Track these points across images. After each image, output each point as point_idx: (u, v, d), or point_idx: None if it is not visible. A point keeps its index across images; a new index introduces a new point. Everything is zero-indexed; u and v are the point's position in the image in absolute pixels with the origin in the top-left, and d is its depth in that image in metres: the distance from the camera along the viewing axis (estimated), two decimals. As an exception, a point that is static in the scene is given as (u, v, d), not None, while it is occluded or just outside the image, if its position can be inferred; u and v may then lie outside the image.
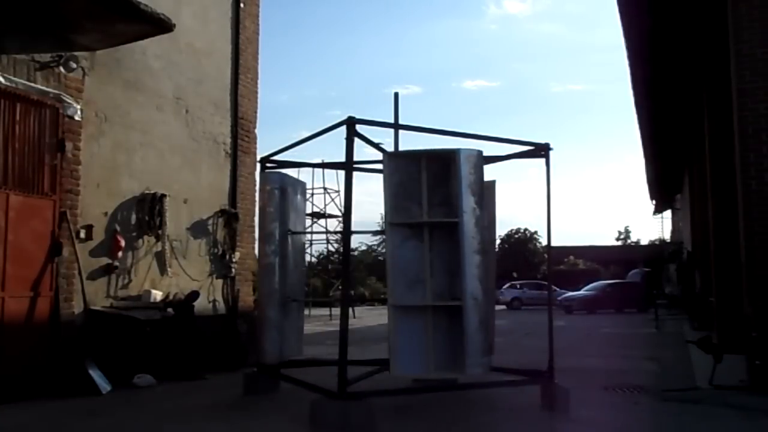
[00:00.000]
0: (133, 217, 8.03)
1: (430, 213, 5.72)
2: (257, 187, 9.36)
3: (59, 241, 7.00)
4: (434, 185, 5.75)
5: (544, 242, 6.80)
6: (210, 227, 9.23)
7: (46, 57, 7.00)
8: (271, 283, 6.86)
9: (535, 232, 53.53)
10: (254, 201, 9.81)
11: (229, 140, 9.67)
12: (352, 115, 5.57)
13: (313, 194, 30.46)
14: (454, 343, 5.56)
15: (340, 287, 25.67)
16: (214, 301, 9.21)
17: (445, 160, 5.73)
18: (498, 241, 26.17)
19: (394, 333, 5.49)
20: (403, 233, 5.72)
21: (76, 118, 7.24)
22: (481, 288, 5.53)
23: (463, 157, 5.61)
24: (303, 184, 7.68)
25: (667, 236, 40.41)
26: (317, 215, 30.65)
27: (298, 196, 7.42)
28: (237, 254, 9.50)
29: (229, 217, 9.46)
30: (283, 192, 7.03)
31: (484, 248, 5.65)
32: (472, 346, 5.45)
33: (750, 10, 7.26)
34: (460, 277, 5.49)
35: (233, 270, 9.45)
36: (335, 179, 26.33)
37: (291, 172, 7.84)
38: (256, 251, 9.37)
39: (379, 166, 7.60)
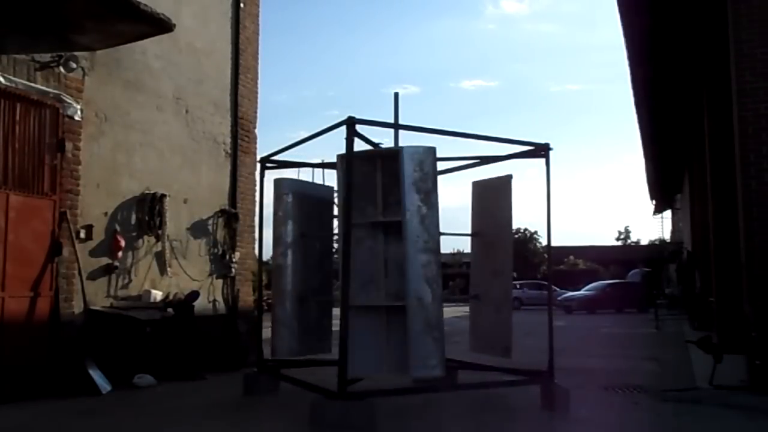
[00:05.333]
0: (133, 217, 8.03)
1: (384, 213, 5.72)
2: (257, 187, 9.39)
3: (59, 241, 7.00)
4: (391, 185, 5.72)
5: (544, 242, 6.81)
6: (210, 227, 9.23)
7: (46, 57, 7.00)
8: (280, 283, 6.88)
9: (535, 232, 53.53)
10: (254, 201, 9.81)
11: (229, 140, 9.67)
12: (351, 115, 5.58)
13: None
14: (396, 344, 5.58)
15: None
16: (214, 301, 9.20)
17: (396, 159, 5.67)
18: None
19: (351, 333, 5.35)
20: (359, 233, 5.70)
21: (76, 118, 7.24)
22: (428, 288, 5.43)
23: (406, 155, 5.54)
24: (330, 189, 7.43)
25: (667, 236, 40.44)
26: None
27: (320, 201, 7.29)
28: (237, 254, 9.50)
29: (229, 217, 9.46)
30: (298, 197, 7.03)
31: (432, 247, 5.54)
32: (417, 347, 5.36)
33: (750, 10, 7.26)
34: (405, 276, 5.44)
35: (233, 270, 9.45)
36: (335, 179, 26.26)
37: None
38: (256, 251, 9.38)
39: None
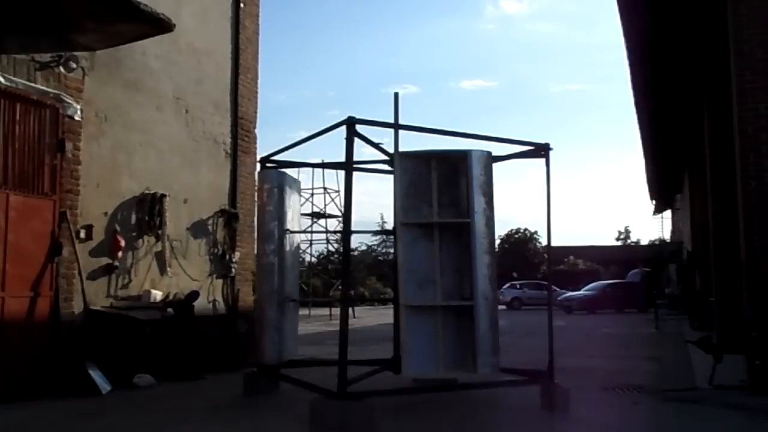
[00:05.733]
0: (133, 217, 8.03)
1: (440, 213, 5.78)
2: (257, 187, 9.37)
3: (59, 241, 7.00)
4: (443, 186, 5.82)
5: (544, 242, 6.83)
6: (210, 227, 9.23)
7: (46, 57, 7.00)
8: (270, 282, 6.85)
9: (535, 232, 53.56)
10: (254, 201, 9.80)
11: (229, 140, 9.67)
12: (351, 115, 5.58)
13: (313, 194, 30.51)
14: (462, 343, 5.64)
15: (339, 287, 25.65)
16: (214, 301, 9.20)
17: (454, 160, 5.80)
18: (498, 241, 26.17)
19: (406, 333, 5.53)
20: (414, 233, 5.75)
21: (76, 118, 7.24)
22: (490, 288, 5.62)
23: (474, 158, 5.71)
24: (298, 183, 7.67)
25: (667, 236, 40.41)
26: (317, 215, 30.66)
27: (295, 195, 7.42)
28: (237, 254, 9.50)
29: (229, 217, 9.46)
30: (281, 191, 7.03)
31: (492, 249, 5.74)
32: (484, 345, 5.54)
33: (750, 10, 7.26)
34: (472, 276, 5.59)
35: (233, 270, 9.45)
36: (335, 179, 26.28)
37: (290, 172, 7.84)
38: (256, 251, 9.36)
39: (380, 166, 7.63)
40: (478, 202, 5.62)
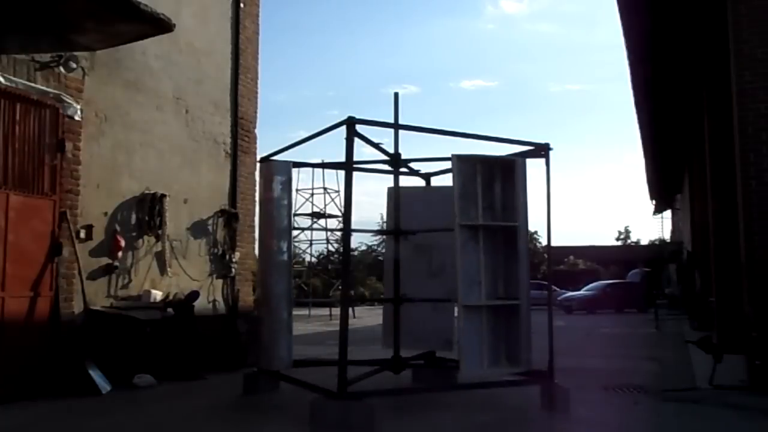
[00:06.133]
0: (133, 217, 8.03)
1: (483, 216, 5.98)
2: (257, 187, 9.36)
3: (59, 241, 7.00)
4: (485, 189, 6.01)
5: (544, 242, 6.83)
6: (210, 227, 9.23)
7: (46, 57, 7.00)
8: (284, 282, 6.73)
9: (535, 232, 53.25)
10: (254, 201, 9.80)
11: (229, 140, 9.67)
12: (351, 115, 5.58)
13: (313, 194, 30.51)
14: (500, 341, 5.83)
15: (339, 287, 25.66)
16: (214, 301, 9.20)
17: (498, 165, 6.04)
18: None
19: (463, 334, 5.67)
20: (465, 235, 5.89)
21: (76, 118, 7.24)
22: (528, 288, 5.98)
23: (519, 164, 6.01)
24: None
25: (667, 236, 40.41)
26: (317, 215, 30.66)
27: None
28: (237, 254, 9.50)
29: (229, 217, 9.46)
30: (289, 183, 6.91)
31: (528, 251, 6.15)
32: (528, 343, 5.80)
33: (750, 10, 7.26)
34: (517, 277, 5.89)
35: (233, 270, 9.45)
36: (335, 179, 26.29)
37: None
38: (256, 251, 9.37)
39: (380, 166, 7.64)
40: (524, 206, 5.94)
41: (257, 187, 8.82)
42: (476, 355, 5.70)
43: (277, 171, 6.83)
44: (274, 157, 7.15)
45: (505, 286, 5.97)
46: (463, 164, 5.91)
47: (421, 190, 7.85)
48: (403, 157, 7.19)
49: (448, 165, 7.62)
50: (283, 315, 6.68)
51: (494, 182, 6.05)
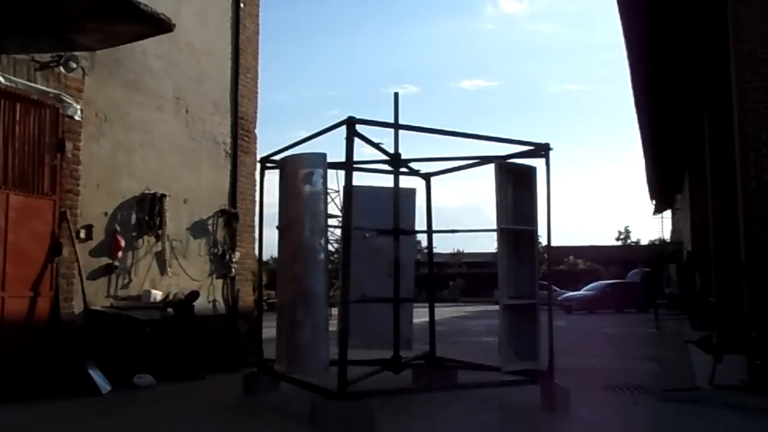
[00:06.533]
0: (133, 217, 8.03)
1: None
2: (257, 187, 9.38)
3: (59, 241, 7.00)
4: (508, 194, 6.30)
5: (544, 242, 6.83)
6: (210, 227, 9.23)
7: (46, 57, 7.00)
8: (324, 282, 6.37)
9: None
10: (254, 201, 9.81)
11: (229, 140, 9.66)
12: (351, 115, 5.58)
13: (313, 194, 30.39)
14: (514, 339, 6.01)
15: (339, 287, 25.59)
16: (214, 301, 9.20)
17: (514, 171, 6.30)
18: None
19: (505, 332, 5.89)
20: (504, 238, 6.11)
21: (76, 118, 7.24)
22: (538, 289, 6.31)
23: (536, 172, 6.24)
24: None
25: (667, 236, 40.44)
26: (317, 215, 30.59)
27: None
28: (237, 254, 9.50)
29: (229, 217, 9.46)
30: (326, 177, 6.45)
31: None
32: (543, 340, 6.03)
33: (750, 10, 7.25)
34: (532, 279, 6.20)
35: (233, 270, 9.45)
36: (335, 179, 26.28)
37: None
38: (257, 251, 9.37)
39: (380, 166, 7.64)
40: (536, 211, 6.20)
41: (257, 187, 8.79)
42: (508, 352, 5.95)
43: (317, 163, 6.19)
44: (276, 157, 7.15)
45: (515, 286, 6.17)
46: (501, 171, 6.16)
47: (369, 188, 7.65)
48: (403, 157, 7.19)
49: (448, 165, 7.66)
50: (323, 316, 6.23)
51: (516, 187, 6.36)
